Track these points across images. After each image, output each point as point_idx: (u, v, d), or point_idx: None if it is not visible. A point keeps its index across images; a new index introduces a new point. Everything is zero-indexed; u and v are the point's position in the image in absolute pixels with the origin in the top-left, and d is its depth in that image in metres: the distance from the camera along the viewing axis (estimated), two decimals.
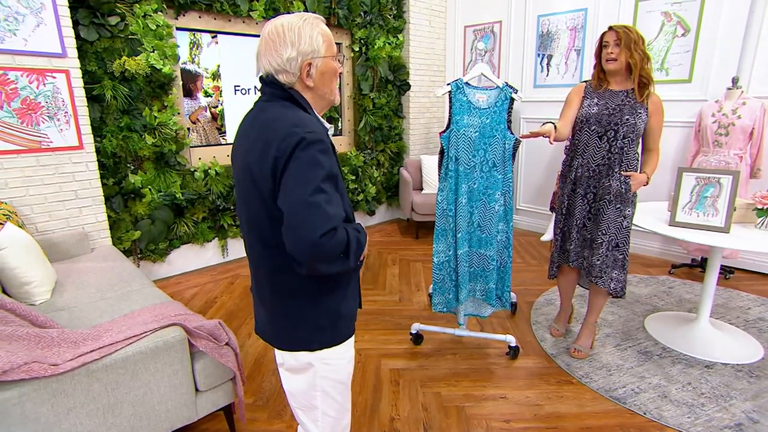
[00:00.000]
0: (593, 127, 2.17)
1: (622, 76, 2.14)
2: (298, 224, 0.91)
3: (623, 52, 2.05)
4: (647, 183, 2.16)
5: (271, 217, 0.98)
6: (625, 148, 2.12)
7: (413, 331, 2.54)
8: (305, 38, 1.00)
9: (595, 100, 2.18)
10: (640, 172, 2.17)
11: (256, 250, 1.09)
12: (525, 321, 2.81)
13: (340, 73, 1.13)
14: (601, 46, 2.13)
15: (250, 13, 3.54)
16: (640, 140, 2.18)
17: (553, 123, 2.06)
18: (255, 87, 3.81)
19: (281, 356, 1.18)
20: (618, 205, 2.15)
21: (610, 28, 2.08)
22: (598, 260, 2.20)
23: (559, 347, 2.49)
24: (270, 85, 1.05)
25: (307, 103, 1.06)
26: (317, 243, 0.90)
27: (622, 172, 2.13)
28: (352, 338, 1.19)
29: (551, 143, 2.12)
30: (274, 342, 1.15)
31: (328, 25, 4.11)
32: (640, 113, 2.08)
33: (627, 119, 2.09)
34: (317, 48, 1.02)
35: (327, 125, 1.09)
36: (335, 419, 1.21)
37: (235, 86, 3.70)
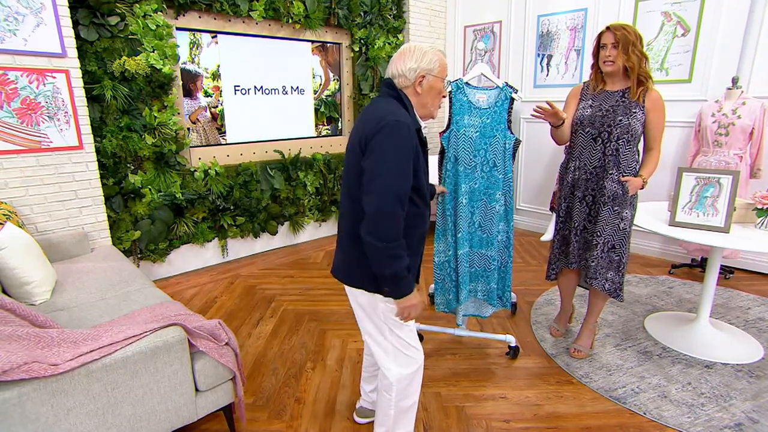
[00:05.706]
0: (587, 129, 2.16)
1: (619, 76, 2.12)
2: (376, 186, 1.26)
3: (620, 55, 2.02)
4: (643, 186, 2.12)
5: (358, 177, 1.32)
6: (620, 150, 2.10)
7: None
8: (427, 59, 1.37)
9: (590, 102, 2.17)
10: (637, 174, 2.14)
11: (345, 203, 1.44)
12: (525, 321, 2.81)
13: (444, 96, 1.49)
14: (599, 46, 2.11)
15: (250, 13, 3.54)
16: (641, 140, 2.16)
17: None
18: (255, 87, 3.81)
19: (351, 292, 1.51)
20: (615, 207, 2.14)
21: (608, 28, 2.05)
22: (593, 261, 2.19)
23: (559, 347, 2.49)
24: (387, 86, 1.42)
25: (410, 105, 1.40)
26: (388, 202, 1.25)
27: (621, 177, 2.11)
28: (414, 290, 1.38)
29: (553, 126, 2.16)
30: (342, 278, 1.49)
31: (329, 24, 4.14)
32: (635, 113, 2.06)
33: (620, 120, 2.07)
34: (433, 68, 1.39)
35: (421, 123, 1.44)
36: (408, 359, 1.50)
37: (235, 86, 3.69)
